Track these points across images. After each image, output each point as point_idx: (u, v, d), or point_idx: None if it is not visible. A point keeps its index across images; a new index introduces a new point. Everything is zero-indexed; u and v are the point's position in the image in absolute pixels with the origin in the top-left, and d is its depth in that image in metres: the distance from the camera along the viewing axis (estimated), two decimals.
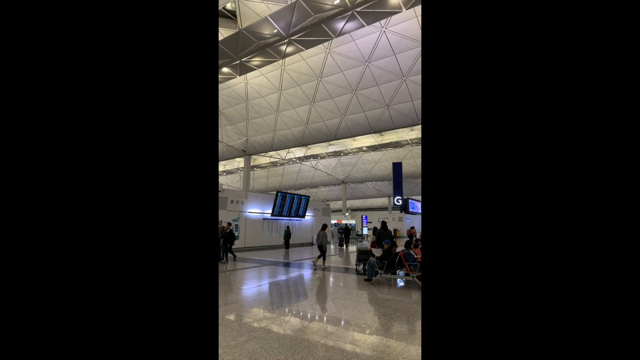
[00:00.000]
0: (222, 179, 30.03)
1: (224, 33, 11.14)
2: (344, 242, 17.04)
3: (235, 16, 10.72)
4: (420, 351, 2.89)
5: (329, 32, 10.86)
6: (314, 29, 10.61)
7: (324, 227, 9.53)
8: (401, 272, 6.50)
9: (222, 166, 29.24)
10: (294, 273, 7.86)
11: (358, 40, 12.99)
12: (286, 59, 13.81)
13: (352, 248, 15.89)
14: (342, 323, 3.81)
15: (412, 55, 12.90)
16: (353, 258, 9.96)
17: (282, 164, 27.16)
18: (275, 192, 15.49)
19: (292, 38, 10.99)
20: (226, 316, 3.98)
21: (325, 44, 13.17)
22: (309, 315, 4.16)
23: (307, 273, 7.85)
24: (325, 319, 4.02)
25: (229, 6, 11.29)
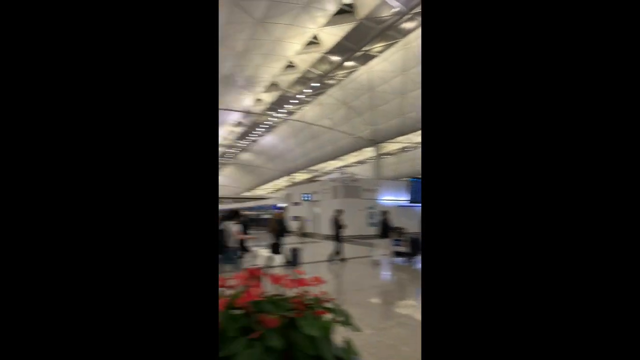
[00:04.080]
0: (355, 169, 31.38)
1: (345, 29, 11.49)
2: None
3: (352, 8, 10.87)
4: None
5: None
6: None
7: None
8: None
9: (354, 157, 30.56)
10: None
11: None
12: (408, 36, 12.96)
13: None
14: None
15: None
16: None
17: (413, 149, 25.89)
18: (406, 179, 14.94)
19: (415, 11, 10.23)
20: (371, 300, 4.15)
21: None
22: None
23: None
24: None
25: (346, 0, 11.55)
